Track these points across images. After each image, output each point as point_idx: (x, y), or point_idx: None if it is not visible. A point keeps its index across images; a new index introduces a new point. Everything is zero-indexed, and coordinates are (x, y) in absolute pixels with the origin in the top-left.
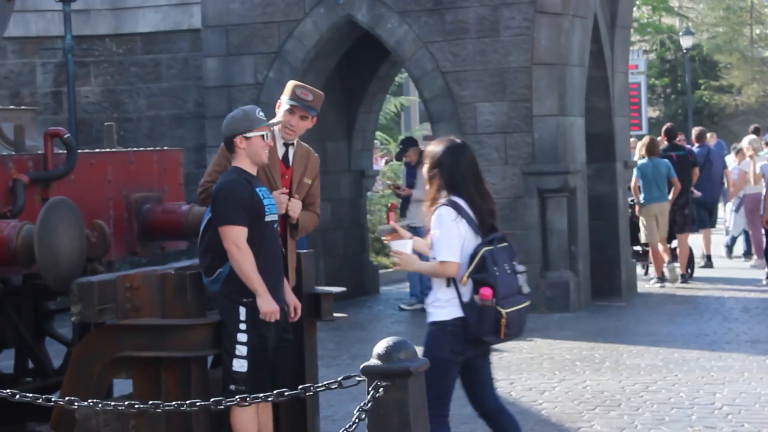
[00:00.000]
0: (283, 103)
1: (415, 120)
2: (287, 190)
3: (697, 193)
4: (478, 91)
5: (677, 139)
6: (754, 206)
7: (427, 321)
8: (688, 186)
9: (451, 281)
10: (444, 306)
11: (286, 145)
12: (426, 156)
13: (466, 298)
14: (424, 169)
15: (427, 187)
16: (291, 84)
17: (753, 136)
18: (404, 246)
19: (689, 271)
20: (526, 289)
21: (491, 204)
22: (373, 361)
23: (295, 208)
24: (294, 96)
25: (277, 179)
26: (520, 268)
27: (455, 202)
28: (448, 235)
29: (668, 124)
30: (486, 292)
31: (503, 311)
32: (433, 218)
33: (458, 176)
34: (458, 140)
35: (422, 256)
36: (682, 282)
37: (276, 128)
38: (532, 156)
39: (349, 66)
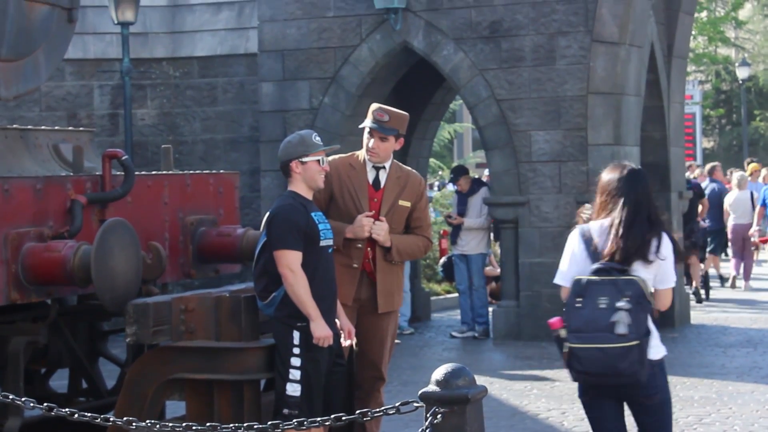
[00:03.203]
0: (364, 126)
1: (468, 147)
2: (373, 213)
3: (704, 224)
4: (532, 119)
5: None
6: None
7: None
8: (694, 216)
9: None
10: None
11: (377, 168)
12: (599, 184)
13: None
14: (597, 197)
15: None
16: (371, 107)
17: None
18: None
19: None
20: (621, 329)
21: (653, 234)
22: (432, 387)
23: (379, 230)
24: (372, 118)
25: (364, 202)
26: (623, 305)
27: (588, 226)
28: (564, 258)
29: None
30: (552, 322)
31: (568, 345)
32: None
33: (615, 203)
34: (630, 167)
35: None
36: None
37: (364, 152)
38: (587, 185)
39: (404, 92)
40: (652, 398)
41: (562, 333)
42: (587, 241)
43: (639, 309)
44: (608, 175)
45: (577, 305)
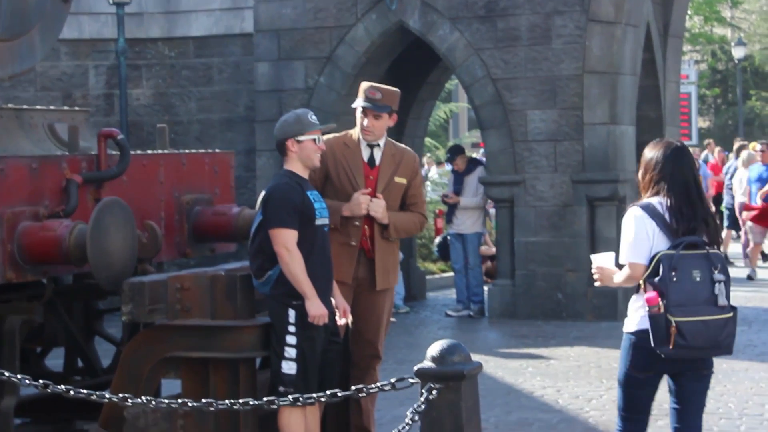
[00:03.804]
0: (357, 105)
1: (464, 127)
2: (369, 191)
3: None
4: (528, 99)
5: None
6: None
7: None
8: None
9: (641, 288)
10: (633, 315)
11: (371, 146)
12: (642, 160)
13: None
14: (639, 173)
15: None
16: (362, 85)
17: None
18: (606, 259)
19: None
20: (722, 301)
21: (704, 212)
22: (427, 364)
23: (377, 207)
24: (364, 97)
25: (360, 181)
26: (720, 277)
27: (649, 203)
28: (636, 236)
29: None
30: (650, 297)
31: (673, 319)
32: (623, 219)
33: (667, 180)
34: (676, 143)
35: None
36: None
37: (358, 131)
38: (582, 164)
39: (399, 72)
40: (711, 368)
41: (660, 309)
42: (658, 217)
43: (728, 280)
44: (652, 153)
45: (673, 279)
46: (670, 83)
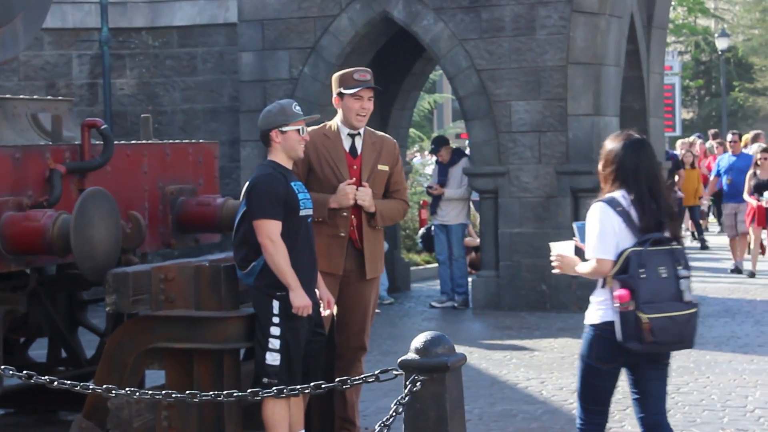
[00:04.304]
0: (345, 94)
1: (449, 117)
2: (354, 180)
3: (681, 194)
4: (512, 90)
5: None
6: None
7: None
8: (672, 185)
9: (605, 282)
10: (596, 308)
11: (352, 136)
12: (602, 153)
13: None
14: (600, 165)
15: (603, 185)
16: (343, 75)
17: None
18: (566, 248)
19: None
20: (687, 297)
21: (667, 205)
22: (411, 355)
23: (364, 196)
24: (356, 82)
25: (344, 171)
26: (684, 273)
27: (613, 198)
28: (603, 232)
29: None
30: (621, 294)
31: (644, 316)
32: (588, 215)
33: (631, 173)
34: (636, 136)
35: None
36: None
37: (338, 121)
38: (566, 155)
39: (383, 62)
40: (669, 358)
41: (631, 306)
42: (622, 213)
43: (690, 276)
44: (612, 145)
45: (642, 276)
46: (654, 74)
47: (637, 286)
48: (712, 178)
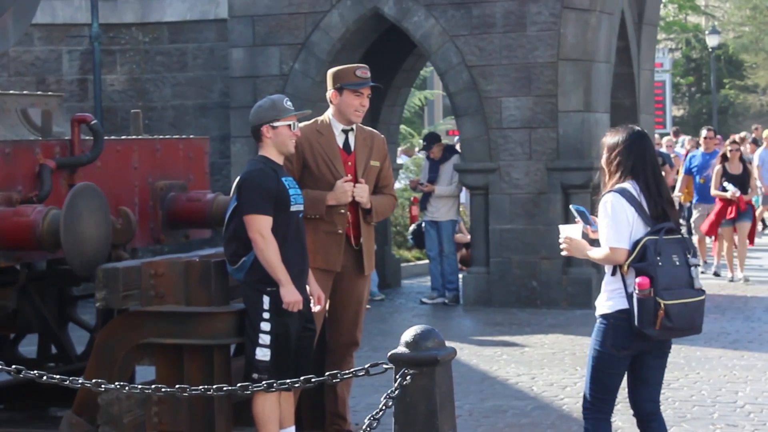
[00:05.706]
0: (345, 90)
1: (439, 114)
2: (350, 177)
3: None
4: (503, 86)
5: None
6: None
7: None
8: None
9: (617, 271)
10: (609, 297)
11: (345, 132)
12: (603, 145)
13: (630, 289)
14: (603, 159)
15: (606, 178)
16: (342, 70)
17: None
18: (574, 231)
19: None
20: (698, 284)
21: (668, 194)
22: (401, 349)
23: (362, 192)
24: (359, 79)
25: (339, 167)
26: (694, 261)
27: (624, 188)
28: (617, 221)
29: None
30: (642, 281)
31: (662, 302)
32: (600, 205)
33: (638, 163)
34: (637, 128)
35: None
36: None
37: (330, 116)
38: (557, 152)
39: (374, 59)
40: (671, 346)
41: (651, 292)
42: (635, 202)
43: (699, 264)
44: (615, 137)
45: (659, 264)
46: (645, 71)
47: (656, 273)
48: (681, 175)
